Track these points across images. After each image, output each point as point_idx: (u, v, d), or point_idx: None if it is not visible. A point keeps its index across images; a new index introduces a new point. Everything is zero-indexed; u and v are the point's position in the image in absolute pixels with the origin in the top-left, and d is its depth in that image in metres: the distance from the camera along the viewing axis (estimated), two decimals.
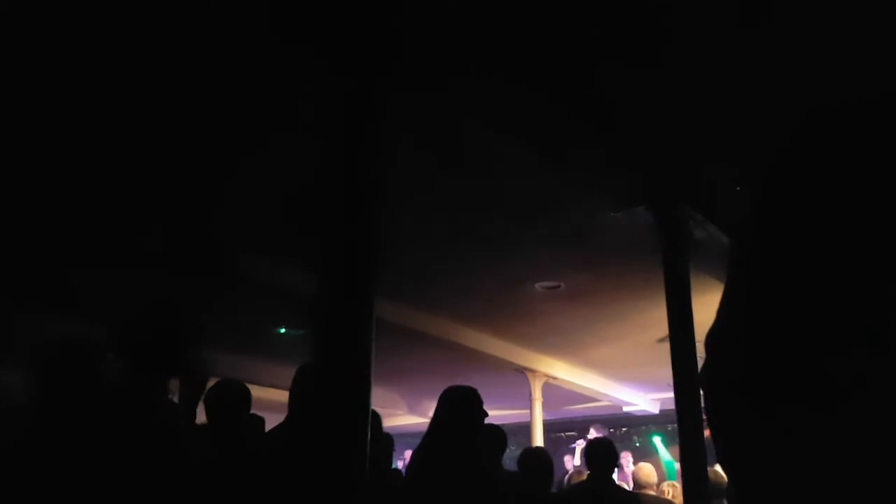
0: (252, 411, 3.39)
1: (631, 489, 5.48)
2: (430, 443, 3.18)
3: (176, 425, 2.04)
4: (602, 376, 10.55)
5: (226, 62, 3.48)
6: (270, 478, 2.66)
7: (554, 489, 4.94)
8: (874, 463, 0.59)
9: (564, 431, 13.67)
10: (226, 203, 4.94)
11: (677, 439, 4.74)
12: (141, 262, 5.35)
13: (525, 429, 9.90)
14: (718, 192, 4.81)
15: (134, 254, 5.31)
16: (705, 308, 4.16)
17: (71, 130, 4.04)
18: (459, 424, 3.12)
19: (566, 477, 7.40)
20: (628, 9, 3.24)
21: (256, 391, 3.52)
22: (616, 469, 4.37)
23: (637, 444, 13.28)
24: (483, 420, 3.26)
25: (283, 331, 7.82)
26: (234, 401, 3.27)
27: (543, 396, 9.66)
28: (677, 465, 6.27)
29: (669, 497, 5.59)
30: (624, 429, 13.79)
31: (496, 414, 9.92)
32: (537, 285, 6.70)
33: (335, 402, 2.61)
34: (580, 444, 10.15)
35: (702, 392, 0.75)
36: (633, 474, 5.63)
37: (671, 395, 4.80)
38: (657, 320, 5.85)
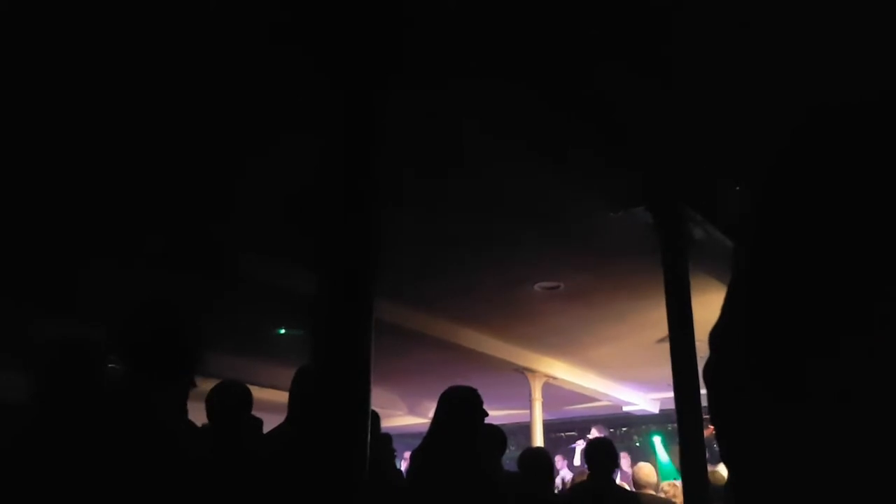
0: (252, 412, 3.39)
1: (631, 489, 5.48)
2: (430, 443, 3.18)
3: (176, 426, 2.04)
4: (602, 376, 10.55)
5: (226, 65, 3.48)
6: (270, 478, 2.66)
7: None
8: (876, 463, 0.59)
9: (564, 431, 13.68)
10: (226, 203, 4.95)
11: (677, 439, 4.74)
12: (141, 262, 5.35)
13: (525, 429, 9.90)
14: (718, 192, 4.82)
15: (134, 254, 5.31)
16: (705, 308, 4.16)
17: (71, 132, 4.04)
18: (460, 425, 3.12)
19: (567, 480, 7.39)
20: (628, 9, 3.24)
21: (256, 392, 3.52)
22: (617, 468, 4.38)
23: (637, 444, 13.29)
24: (483, 420, 3.26)
25: (282, 331, 7.82)
26: (235, 402, 3.28)
27: (543, 396, 9.66)
28: (676, 464, 6.27)
29: (670, 497, 5.60)
30: (624, 429, 13.79)
31: (496, 414, 9.92)
32: (537, 285, 6.70)
33: (335, 403, 2.61)
34: (580, 445, 10.14)
35: (704, 390, 0.76)
36: (633, 474, 5.63)
37: (671, 394, 4.80)
38: (657, 320, 5.85)
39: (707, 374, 0.71)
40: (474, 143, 4.21)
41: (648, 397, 12.14)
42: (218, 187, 4.73)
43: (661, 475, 8.42)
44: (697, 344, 4.69)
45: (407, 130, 3.66)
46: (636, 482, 5.41)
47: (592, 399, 11.45)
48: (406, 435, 9.05)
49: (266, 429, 3.35)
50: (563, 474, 9.73)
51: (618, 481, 5.43)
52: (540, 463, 4.25)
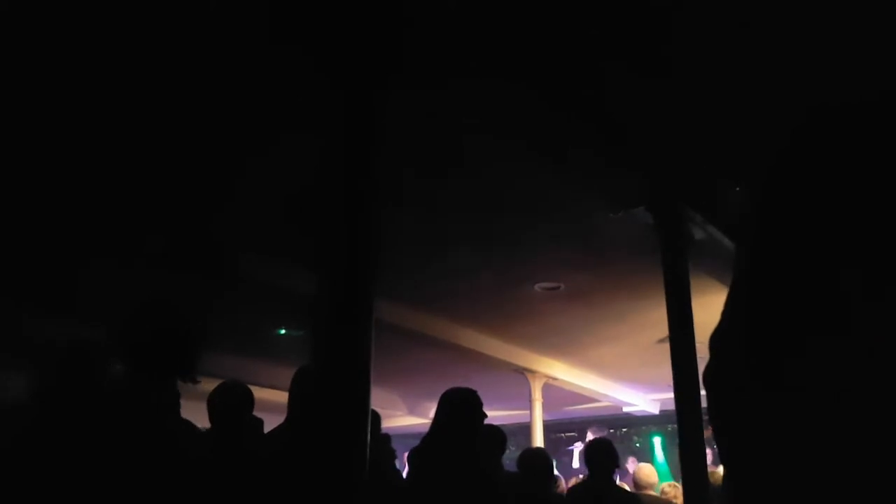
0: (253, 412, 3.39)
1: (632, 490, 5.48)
2: (430, 444, 3.19)
3: (176, 425, 2.04)
4: (602, 377, 10.55)
5: (226, 65, 3.48)
6: (270, 479, 2.66)
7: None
8: (874, 463, 0.59)
9: (564, 432, 13.67)
10: (226, 203, 4.95)
11: (677, 440, 4.74)
12: (141, 262, 5.35)
13: (525, 429, 9.90)
14: (718, 193, 4.82)
15: (134, 254, 5.31)
16: (705, 308, 4.16)
17: (72, 132, 4.04)
18: (460, 426, 3.13)
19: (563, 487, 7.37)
20: (629, 9, 3.24)
21: (256, 392, 3.52)
22: (617, 469, 4.38)
23: (637, 445, 13.29)
24: (483, 422, 3.27)
25: (282, 331, 7.82)
26: (236, 402, 3.28)
27: (543, 397, 9.66)
28: (673, 466, 6.26)
29: (670, 497, 5.60)
30: (624, 429, 13.79)
31: (496, 415, 9.93)
32: (537, 286, 6.70)
33: (335, 403, 2.61)
34: (578, 447, 10.12)
35: (704, 393, 0.75)
36: (634, 474, 5.64)
37: (671, 395, 4.80)
38: (657, 321, 5.85)
39: (707, 377, 0.71)
40: (474, 143, 4.21)
41: (648, 398, 12.14)
42: (218, 187, 4.73)
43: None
44: (698, 345, 4.69)
45: (407, 130, 3.66)
46: (636, 483, 5.42)
47: (592, 400, 11.45)
48: (406, 435, 9.05)
49: (266, 429, 3.35)
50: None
51: (618, 482, 5.42)
52: (540, 463, 4.25)
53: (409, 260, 5.71)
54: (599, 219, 5.19)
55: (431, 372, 8.90)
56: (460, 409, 3.19)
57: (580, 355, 9.29)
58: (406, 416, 11.70)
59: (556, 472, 5.43)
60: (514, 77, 3.63)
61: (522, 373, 9.32)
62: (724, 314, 0.72)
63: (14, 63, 3.43)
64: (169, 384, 2.06)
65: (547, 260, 6.09)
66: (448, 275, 6.31)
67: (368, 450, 2.60)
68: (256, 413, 3.48)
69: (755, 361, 0.67)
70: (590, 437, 10.05)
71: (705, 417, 4.66)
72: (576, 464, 9.56)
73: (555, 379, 9.67)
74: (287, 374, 3.19)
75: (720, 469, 4.68)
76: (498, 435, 3.93)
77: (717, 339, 0.72)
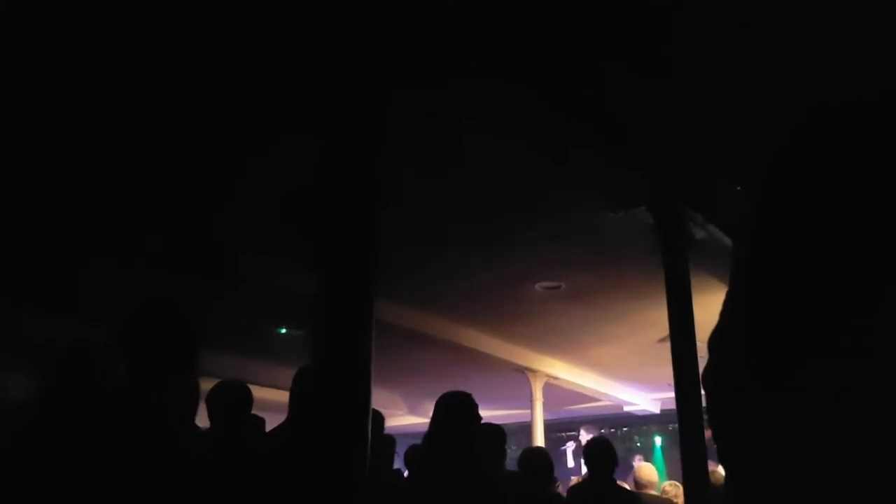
0: (252, 412, 3.39)
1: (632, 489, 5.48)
2: (428, 448, 3.20)
3: (176, 426, 2.04)
4: (603, 376, 10.55)
5: (227, 65, 3.48)
6: (271, 478, 2.66)
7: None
8: (873, 463, 0.59)
9: (565, 431, 13.66)
10: (226, 203, 4.95)
11: (677, 439, 4.74)
12: (141, 262, 5.36)
13: (526, 429, 9.89)
14: (718, 192, 4.82)
15: (134, 254, 5.31)
16: (705, 308, 4.16)
17: (72, 132, 4.04)
18: (456, 430, 3.14)
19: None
20: (628, 9, 3.24)
21: (256, 391, 3.52)
22: (616, 467, 4.37)
23: (638, 444, 13.28)
24: (479, 425, 3.28)
25: (283, 331, 7.82)
26: (235, 402, 3.27)
27: (544, 396, 9.66)
28: (670, 466, 6.26)
29: (671, 497, 5.59)
30: (625, 428, 13.78)
31: (497, 414, 9.94)
32: (537, 285, 6.70)
33: (336, 403, 2.61)
34: (570, 447, 10.09)
35: (704, 392, 0.75)
36: (634, 474, 5.63)
37: (672, 394, 4.80)
38: (657, 320, 5.85)
39: (707, 377, 0.71)
40: (474, 143, 4.21)
41: (649, 397, 12.14)
42: (218, 187, 4.73)
43: None
44: (698, 344, 4.69)
45: (407, 130, 3.66)
46: (637, 482, 5.41)
47: (593, 399, 11.45)
48: (406, 435, 9.04)
49: (267, 428, 3.35)
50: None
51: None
52: (540, 462, 4.24)
53: (409, 260, 5.71)
54: (599, 219, 5.19)
55: (432, 371, 8.90)
56: (456, 412, 3.20)
57: (581, 355, 9.29)
58: (406, 416, 11.70)
59: None
60: (514, 77, 3.62)
61: (523, 372, 9.32)
62: (724, 314, 0.72)
63: (15, 63, 3.43)
64: (172, 384, 2.06)
65: (547, 260, 6.09)
66: (448, 275, 6.31)
67: (370, 450, 2.60)
68: (257, 412, 3.48)
69: (755, 361, 0.67)
70: (583, 435, 10.01)
71: (706, 417, 4.66)
72: (570, 463, 9.52)
73: (556, 378, 9.67)
74: (287, 373, 3.19)
75: (720, 468, 4.68)
76: (498, 434, 3.93)
77: (716, 338, 0.72)
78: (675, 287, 4.90)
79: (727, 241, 5.15)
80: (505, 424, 4.47)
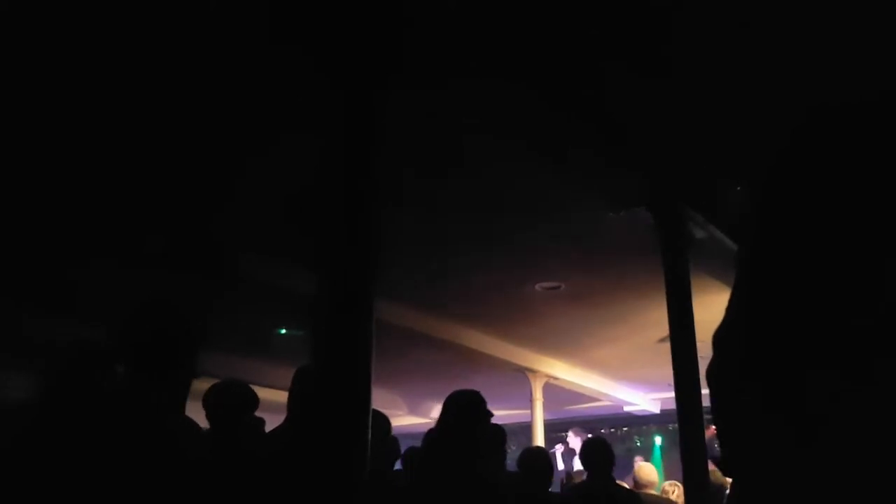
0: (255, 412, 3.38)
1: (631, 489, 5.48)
2: (436, 446, 3.20)
3: (176, 425, 2.04)
4: (603, 376, 10.55)
5: (226, 65, 3.48)
6: (270, 479, 2.66)
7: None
8: (873, 467, 0.59)
9: (565, 431, 13.65)
10: (226, 203, 4.95)
11: (677, 439, 4.74)
12: (141, 262, 5.35)
13: (526, 429, 9.89)
14: (718, 192, 4.82)
15: (134, 254, 5.31)
16: (705, 308, 4.16)
17: (72, 132, 4.04)
18: (466, 428, 3.15)
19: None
20: (628, 9, 3.24)
21: (255, 391, 3.51)
22: (613, 467, 4.38)
23: (638, 444, 13.28)
24: (489, 424, 3.29)
25: (283, 331, 7.82)
26: (236, 402, 3.27)
27: (544, 397, 9.66)
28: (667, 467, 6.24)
29: (671, 496, 5.60)
30: (625, 428, 13.77)
31: (497, 414, 9.89)
32: (537, 285, 6.70)
33: (335, 404, 2.61)
34: (559, 449, 10.07)
35: (705, 390, 0.75)
36: (634, 473, 5.64)
37: (672, 394, 4.80)
38: (657, 320, 5.85)
39: (710, 376, 0.71)
40: (474, 143, 4.21)
41: (649, 397, 12.14)
42: (218, 187, 4.73)
43: None
44: (698, 344, 4.69)
45: (407, 130, 3.66)
46: (637, 482, 5.41)
47: (593, 399, 11.45)
48: (406, 435, 9.04)
49: (267, 429, 3.35)
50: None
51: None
52: (540, 463, 4.25)
53: (409, 260, 5.71)
54: (599, 219, 5.19)
55: (432, 372, 8.90)
56: (467, 410, 3.21)
57: (581, 355, 9.29)
58: (407, 416, 11.70)
59: None
60: (514, 77, 3.62)
61: (523, 372, 9.32)
62: (728, 313, 0.72)
63: (15, 63, 3.43)
64: (173, 383, 2.06)
65: (547, 260, 6.09)
66: (448, 275, 6.31)
67: (375, 452, 2.60)
68: (257, 412, 3.47)
69: (754, 363, 0.66)
70: (571, 438, 9.94)
71: (706, 416, 4.66)
72: (560, 466, 9.48)
73: (556, 378, 9.67)
74: (287, 373, 3.19)
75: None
76: (499, 434, 3.93)
77: (719, 335, 0.72)
78: (675, 287, 4.90)
79: (727, 241, 5.15)
80: (505, 424, 4.47)
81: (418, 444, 4.49)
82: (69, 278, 5.79)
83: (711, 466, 4.67)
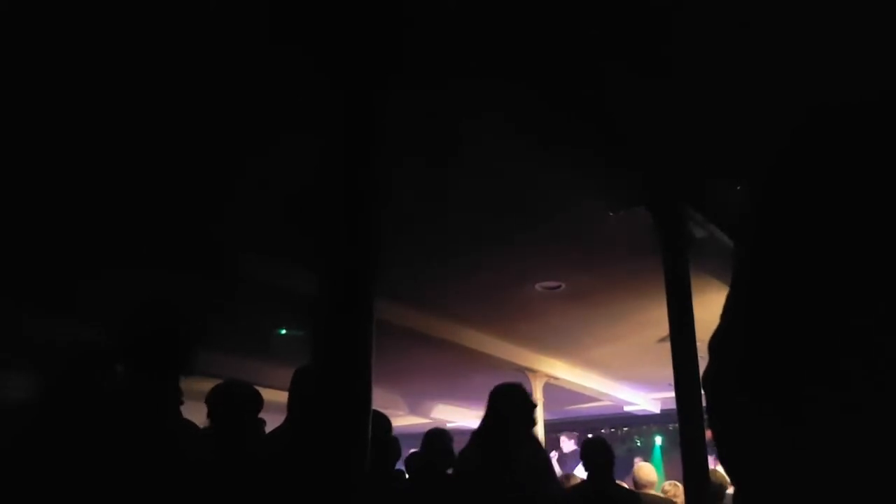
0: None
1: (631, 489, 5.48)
2: (488, 435, 3.38)
3: (175, 425, 2.04)
4: (603, 376, 10.55)
5: (226, 65, 3.48)
6: (270, 479, 2.66)
7: None
8: (873, 473, 0.59)
9: (565, 432, 13.66)
10: (226, 203, 4.94)
11: (677, 439, 4.74)
12: (141, 262, 5.35)
13: None
14: (718, 192, 4.81)
15: (134, 254, 5.31)
16: (705, 308, 4.16)
17: (72, 132, 4.04)
18: (522, 419, 3.42)
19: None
20: (628, 9, 3.23)
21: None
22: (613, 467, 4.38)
23: (638, 444, 13.28)
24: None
25: (283, 331, 7.82)
26: (237, 403, 3.26)
27: (544, 397, 9.66)
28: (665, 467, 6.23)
29: (670, 496, 5.59)
30: (625, 428, 13.78)
31: None
32: (537, 285, 6.70)
33: (335, 404, 2.61)
34: (554, 456, 10.08)
35: (704, 395, 0.75)
36: (634, 473, 5.64)
37: (672, 394, 4.80)
38: (657, 320, 5.85)
39: (706, 381, 0.71)
40: (474, 142, 4.21)
41: (649, 397, 12.14)
42: (218, 187, 4.72)
43: None
44: (698, 343, 4.69)
45: (407, 130, 3.66)
46: (636, 482, 5.42)
47: (593, 399, 11.45)
48: (407, 435, 9.04)
49: (267, 430, 3.35)
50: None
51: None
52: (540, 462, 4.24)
53: (409, 260, 5.71)
54: (599, 219, 5.19)
55: (432, 372, 8.90)
56: (525, 402, 3.48)
57: (581, 355, 9.29)
58: (407, 416, 11.70)
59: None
60: (514, 77, 3.62)
61: (524, 372, 9.31)
62: (724, 316, 0.71)
63: (14, 63, 3.43)
64: (170, 384, 2.06)
65: (547, 260, 6.09)
66: (448, 275, 6.31)
67: (370, 451, 2.60)
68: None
69: (752, 367, 0.66)
70: (564, 443, 9.92)
71: (706, 417, 4.66)
72: (558, 470, 9.51)
73: (556, 378, 9.67)
74: (287, 374, 3.19)
75: (720, 468, 4.69)
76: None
77: (716, 339, 0.72)
78: (675, 287, 4.90)
79: (727, 241, 5.15)
80: None
81: (418, 443, 4.51)
82: (69, 278, 5.79)
83: (711, 466, 4.67)
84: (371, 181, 2.85)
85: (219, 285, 5.86)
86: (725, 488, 4.82)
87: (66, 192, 4.65)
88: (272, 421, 3.25)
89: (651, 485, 5.38)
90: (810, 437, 0.62)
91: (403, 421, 11.66)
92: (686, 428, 4.61)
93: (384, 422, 3.58)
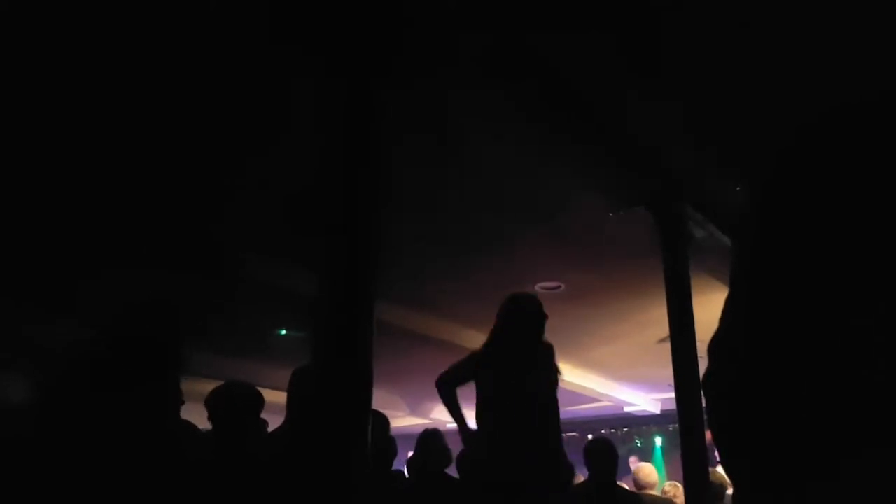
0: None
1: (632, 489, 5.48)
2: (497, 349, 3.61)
3: (176, 427, 2.04)
4: (603, 376, 10.55)
5: (227, 64, 3.48)
6: (270, 480, 2.66)
7: None
8: (875, 475, 0.59)
9: (565, 432, 13.63)
10: (226, 203, 4.94)
11: (677, 440, 4.74)
12: (141, 262, 5.35)
13: None
14: (718, 192, 4.81)
15: (134, 254, 5.31)
16: (705, 308, 4.16)
17: (72, 133, 4.04)
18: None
19: None
20: (628, 9, 3.23)
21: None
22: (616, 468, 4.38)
23: (638, 444, 13.27)
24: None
25: (283, 332, 7.81)
26: (238, 403, 3.25)
27: None
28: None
29: (671, 497, 5.59)
30: (625, 429, 13.77)
31: None
32: (537, 286, 6.69)
33: (336, 404, 2.61)
34: None
35: (703, 398, 0.75)
36: (634, 474, 5.63)
37: (672, 394, 4.80)
38: (657, 320, 5.85)
39: (706, 382, 0.71)
40: (474, 143, 4.21)
41: (650, 398, 12.13)
42: (218, 187, 4.72)
43: None
44: (698, 344, 4.69)
45: (407, 130, 3.66)
46: (637, 482, 5.41)
47: (594, 399, 11.44)
48: (407, 436, 9.03)
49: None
50: None
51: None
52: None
53: (409, 260, 5.71)
54: (599, 219, 5.19)
55: (432, 372, 8.87)
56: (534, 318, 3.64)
57: (581, 355, 9.28)
58: (407, 417, 11.69)
59: None
60: (514, 76, 3.62)
61: None
62: (724, 318, 0.71)
63: (15, 63, 3.43)
64: (170, 384, 2.06)
65: (547, 260, 6.09)
66: (448, 275, 6.31)
67: (370, 451, 2.60)
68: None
69: (754, 367, 0.66)
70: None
71: (706, 418, 4.66)
72: None
73: None
74: (286, 374, 3.19)
75: (720, 468, 4.68)
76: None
77: (715, 343, 0.71)
78: (675, 287, 4.90)
79: (727, 240, 5.15)
80: None
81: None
82: (69, 278, 5.79)
83: (711, 466, 4.67)
84: (371, 181, 2.85)
85: (219, 285, 5.86)
86: (725, 488, 4.82)
87: (67, 193, 4.65)
88: (272, 421, 3.24)
89: (651, 485, 5.37)
90: (810, 438, 0.62)
91: (403, 421, 11.65)
92: (686, 428, 4.61)
93: (383, 422, 3.58)
